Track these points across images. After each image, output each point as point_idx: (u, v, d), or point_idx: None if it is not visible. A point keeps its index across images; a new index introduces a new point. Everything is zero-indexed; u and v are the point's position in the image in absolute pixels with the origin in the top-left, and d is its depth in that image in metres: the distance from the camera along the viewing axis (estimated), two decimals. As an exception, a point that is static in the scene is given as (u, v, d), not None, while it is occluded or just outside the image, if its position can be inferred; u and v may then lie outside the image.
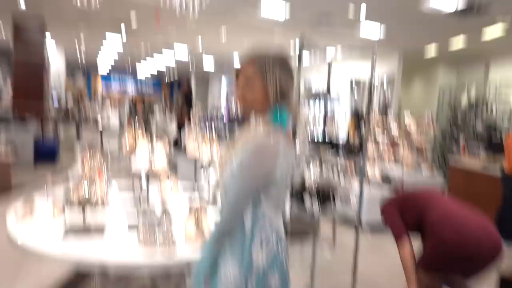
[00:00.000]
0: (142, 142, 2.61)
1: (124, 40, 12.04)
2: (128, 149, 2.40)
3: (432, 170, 5.68)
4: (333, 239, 4.65)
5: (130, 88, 27.05)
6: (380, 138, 6.01)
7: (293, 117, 1.40)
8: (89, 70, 24.61)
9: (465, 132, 9.55)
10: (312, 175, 2.96)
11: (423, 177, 5.55)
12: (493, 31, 6.92)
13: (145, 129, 7.32)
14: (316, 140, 3.04)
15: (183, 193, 2.88)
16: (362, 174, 2.82)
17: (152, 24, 8.80)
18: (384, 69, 10.18)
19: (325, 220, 4.70)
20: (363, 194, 2.75)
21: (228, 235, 1.32)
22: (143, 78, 25.13)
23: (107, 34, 11.80)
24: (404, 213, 2.43)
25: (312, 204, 2.55)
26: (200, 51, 12.24)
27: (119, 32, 10.69)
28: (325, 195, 2.65)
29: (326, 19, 7.21)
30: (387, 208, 2.54)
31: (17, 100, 8.52)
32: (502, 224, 4.90)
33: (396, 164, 5.91)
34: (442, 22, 6.50)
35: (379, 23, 7.44)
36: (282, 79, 1.34)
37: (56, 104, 13.82)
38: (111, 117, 16.70)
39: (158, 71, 18.93)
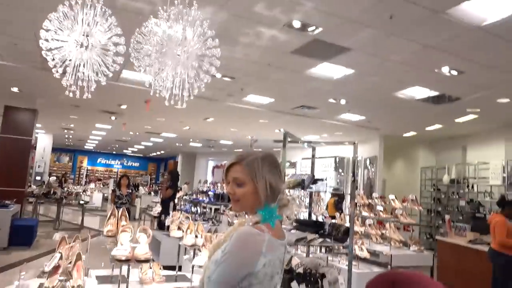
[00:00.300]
0: (124, 226, 2.57)
1: (111, 127, 12.46)
2: (109, 232, 2.35)
3: (419, 246, 5.63)
4: None
5: (116, 163, 27.06)
6: (366, 216, 6.02)
7: (284, 212, 1.42)
8: (75, 149, 24.81)
9: (449, 208, 9.69)
10: (297, 258, 2.90)
11: (411, 253, 5.49)
12: (465, 118, 7.43)
13: (128, 210, 7.19)
14: (301, 222, 3.02)
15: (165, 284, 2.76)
16: (351, 255, 2.78)
17: (141, 113, 9.19)
18: (367, 151, 10.53)
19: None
20: (352, 274, 2.69)
21: None
22: (129, 153, 25.29)
23: (96, 125, 12.29)
24: None
25: (299, 287, 2.46)
26: (187, 134, 12.64)
27: (108, 122, 11.08)
28: (312, 279, 2.58)
29: (309, 110, 7.71)
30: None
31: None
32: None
33: (384, 242, 5.87)
34: (418, 108, 6.96)
35: (358, 115, 7.97)
36: (271, 178, 1.39)
37: (38, 184, 13.58)
38: (95, 194, 16.49)
39: (145, 145, 19.16)
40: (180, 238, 2.83)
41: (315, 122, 8.77)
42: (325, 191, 5.37)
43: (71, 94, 2.50)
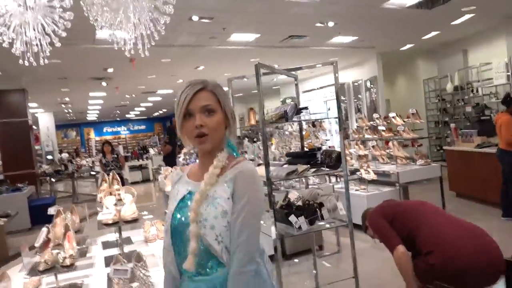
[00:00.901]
0: (112, 189, 2.53)
1: (105, 94, 12.30)
2: (100, 198, 2.32)
3: (426, 160, 5.59)
4: (338, 245, 4.66)
5: (122, 130, 27.24)
6: (369, 138, 5.96)
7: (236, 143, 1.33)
8: (80, 123, 24.85)
9: (456, 116, 9.55)
10: (295, 192, 2.87)
11: (418, 167, 5.47)
12: (462, 19, 7.01)
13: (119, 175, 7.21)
14: (292, 155, 2.95)
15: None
16: (346, 179, 2.73)
17: (130, 73, 8.95)
18: (366, 72, 10.22)
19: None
20: (349, 198, 2.66)
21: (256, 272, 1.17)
22: (133, 117, 25.26)
23: (90, 93, 12.11)
24: (392, 224, 2.34)
25: (298, 220, 2.44)
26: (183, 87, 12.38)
27: (100, 89, 10.90)
28: (310, 208, 2.55)
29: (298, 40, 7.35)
30: (374, 219, 2.46)
31: (7, 171, 8.57)
32: (507, 197, 4.95)
33: (391, 161, 5.85)
34: (411, 17, 6.56)
35: (350, 36, 7.58)
36: (231, 108, 1.27)
37: (48, 162, 13.80)
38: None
39: (145, 106, 19.05)
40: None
41: (307, 51, 8.44)
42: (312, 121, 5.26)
43: (26, 63, 2.34)
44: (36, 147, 14.51)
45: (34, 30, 2.28)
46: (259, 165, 3.03)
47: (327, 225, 2.75)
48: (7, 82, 8.21)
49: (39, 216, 7.63)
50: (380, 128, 5.70)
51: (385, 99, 10.15)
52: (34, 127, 11.81)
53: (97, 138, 26.45)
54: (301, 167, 2.49)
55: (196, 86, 1.22)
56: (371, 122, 6.00)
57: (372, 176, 5.30)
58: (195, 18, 5.51)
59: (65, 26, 2.36)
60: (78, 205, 10.08)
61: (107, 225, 1.96)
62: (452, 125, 6.95)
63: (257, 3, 5.23)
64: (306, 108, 2.69)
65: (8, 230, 6.15)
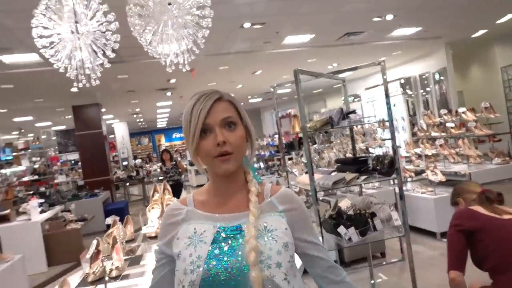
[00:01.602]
0: (163, 199, 2.62)
1: (171, 102, 12.95)
2: (148, 209, 2.41)
3: (504, 159, 5.03)
4: (401, 252, 4.34)
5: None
6: (436, 136, 5.52)
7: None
8: (151, 130, 26.44)
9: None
10: (347, 200, 2.73)
11: (493, 166, 4.94)
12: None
13: (179, 182, 7.32)
14: (341, 161, 2.80)
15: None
16: (401, 187, 2.54)
17: (191, 83, 9.33)
18: (434, 65, 9.51)
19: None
20: (405, 206, 2.46)
21: None
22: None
23: (157, 103, 12.85)
24: (471, 239, 1.95)
25: (347, 231, 2.31)
26: (243, 92, 12.60)
27: (166, 98, 11.51)
28: (361, 219, 2.41)
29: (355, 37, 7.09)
30: (452, 231, 2.03)
31: (86, 178, 9.39)
32: None
33: (463, 160, 5.37)
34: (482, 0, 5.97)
35: (412, 27, 7.14)
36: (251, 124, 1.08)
37: (123, 168, 14.85)
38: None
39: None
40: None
41: (366, 48, 8.06)
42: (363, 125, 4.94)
43: (80, 85, 2.50)
44: (113, 154, 15.73)
45: (85, 52, 2.44)
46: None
47: (385, 235, 2.58)
48: (83, 98, 8.97)
49: (114, 219, 8.27)
50: (448, 124, 5.25)
51: (457, 91, 9.36)
52: (111, 136, 12.80)
53: (167, 144, 27.91)
54: (349, 176, 2.36)
55: (212, 96, 1.01)
56: (439, 119, 5.56)
57: (440, 177, 4.90)
58: (246, 25, 5.55)
59: (112, 48, 2.50)
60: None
61: (151, 238, 2.02)
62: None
63: (307, 4, 5.11)
64: (354, 112, 2.54)
65: (84, 233, 6.69)
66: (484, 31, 8.20)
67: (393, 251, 4.55)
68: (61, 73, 2.45)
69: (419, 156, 5.85)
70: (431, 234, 4.93)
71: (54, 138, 13.62)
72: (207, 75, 8.60)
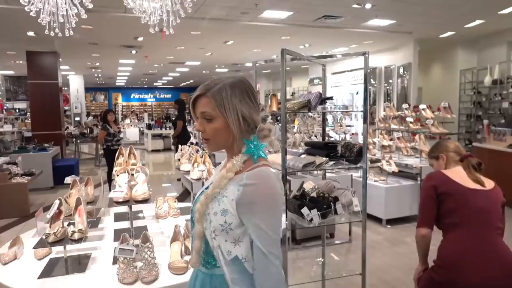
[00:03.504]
0: (128, 164, 2.54)
1: (134, 61, 12.39)
2: (117, 173, 2.33)
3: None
4: (350, 234, 4.65)
5: (149, 97, 27.59)
6: (395, 128, 5.76)
7: (267, 140, 1.25)
8: (108, 87, 25.31)
9: (490, 111, 9.12)
10: (311, 182, 2.80)
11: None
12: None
13: None
14: (312, 144, 2.86)
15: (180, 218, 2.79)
16: (365, 177, 2.65)
17: (159, 44, 8.93)
18: (400, 58, 9.81)
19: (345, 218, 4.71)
20: (366, 194, 2.57)
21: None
22: (160, 85, 25.49)
23: (120, 60, 12.23)
24: (441, 201, 2.05)
25: (310, 213, 2.39)
26: (211, 61, 12.31)
27: (130, 56, 10.97)
28: (324, 202, 2.49)
29: (332, 20, 7.09)
30: (426, 183, 2.12)
31: (35, 130, 8.89)
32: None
33: (415, 154, 5.67)
34: (455, 3, 6.18)
35: (387, 19, 7.26)
36: (244, 109, 1.19)
37: (76, 124, 14.20)
38: (131, 128, 17.07)
39: (172, 76, 19.13)
40: (188, 172, 2.79)
41: (340, 32, 8.13)
42: (334, 112, 5.10)
43: (52, 33, 2.32)
44: (65, 108, 14.93)
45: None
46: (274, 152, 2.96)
47: (342, 219, 2.69)
48: (40, 44, 8.34)
49: (62, 176, 7.90)
50: (408, 119, 5.49)
51: (417, 87, 9.76)
52: (64, 88, 12.08)
53: (124, 103, 26.91)
54: (319, 159, 2.42)
55: (196, 92, 1.24)
56: (399, 112, 5.79)
57: (393, 168, 5.16)
58: (227, -9, 5.37)
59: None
60: (100, 168, 10.39)
61: (118, 203, 1.97)
62: (485, 121, 6.63)
63: (291, -20, 5.03)
64: (331, 98, 2.58)
65: (31, 188, 6.39)
66: (452, 33, 8.54)
67: (342, 233, 4.79)
68: (20, 13, 2.25)
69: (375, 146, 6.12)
70: (378, 220, 5.24)
71: (0, 82, 12.66)
72: (178, 38, 8.29)
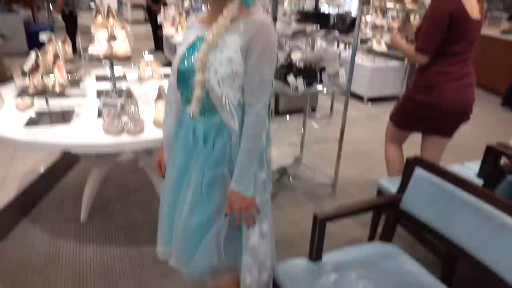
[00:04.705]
0: (104, 22, 2.36)
1: None
2: (95, 30, 2.17)
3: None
4: (330, 111, 4.81)
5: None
6: (391, 8, 5.48)
7: None
8: None
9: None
10: (300, 52, 2.73)
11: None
12: None
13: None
14: (303, 13, 2.69)
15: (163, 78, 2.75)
16: (354, 50, 2.57)
17: None
18: None
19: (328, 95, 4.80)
20: (353, 67, 2.53)
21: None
22: None
23: None
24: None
25: (296, 81, 2.38)
26: None
27: None
28: (311, 72, 2.46)
29: None
30: (440, 9, 2.00)
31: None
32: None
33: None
34: None
35: None
36: None
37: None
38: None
39: None
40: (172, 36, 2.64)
41: None
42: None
43: None
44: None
45: None
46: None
47: (325, 90, 2.69)
48: None
49: (36, 42, 7.46)
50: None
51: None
52: None
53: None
54: (309, 27, 2.30)
55: None
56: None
57: (383, 48, 5.05)
58: None
59: None
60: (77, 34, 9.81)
61: (98, 59, 1.89)
62: (484, 5, 6.34)
63: None
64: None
65: (4, 52, 6.08)
66: None
67: (323, 109, 4.91)
68: None
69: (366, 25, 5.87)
70: (360, 98, 5.34)
71: None
72: None
